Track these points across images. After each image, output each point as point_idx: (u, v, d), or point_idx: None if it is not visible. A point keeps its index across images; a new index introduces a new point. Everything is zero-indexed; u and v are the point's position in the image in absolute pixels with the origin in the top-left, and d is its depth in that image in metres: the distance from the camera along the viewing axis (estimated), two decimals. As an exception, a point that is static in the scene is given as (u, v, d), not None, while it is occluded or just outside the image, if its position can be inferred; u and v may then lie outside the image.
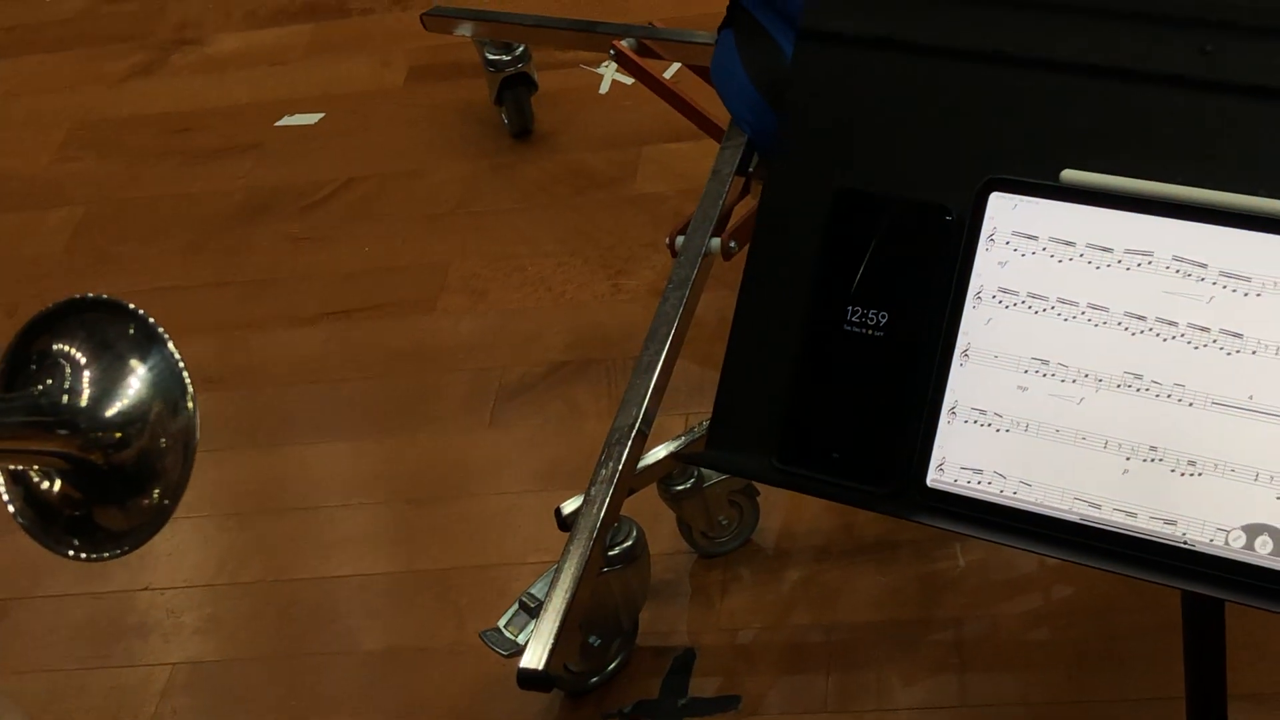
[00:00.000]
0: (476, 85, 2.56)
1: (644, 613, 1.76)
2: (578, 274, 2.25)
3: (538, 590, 1.66)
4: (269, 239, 2.44)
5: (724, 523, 1.82)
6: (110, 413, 0.85)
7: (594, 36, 2.27)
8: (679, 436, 1.79)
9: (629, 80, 2.51)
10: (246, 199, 2.53)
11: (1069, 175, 1.05)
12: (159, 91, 2.81)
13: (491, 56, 2.44)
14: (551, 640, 1.57)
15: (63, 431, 0.84)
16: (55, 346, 0.84)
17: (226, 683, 1.84)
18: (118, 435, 0.85)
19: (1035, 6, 1.09)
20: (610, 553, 1.67)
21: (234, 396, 2.20)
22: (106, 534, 0.87)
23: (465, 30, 2.45)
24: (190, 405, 0.83)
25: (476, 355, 2.18)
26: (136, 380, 0.83)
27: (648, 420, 1.68)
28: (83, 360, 0.85)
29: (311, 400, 2.18)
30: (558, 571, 1.61)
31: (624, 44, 2.17)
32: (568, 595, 1.59)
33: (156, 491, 0.87)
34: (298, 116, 2.67)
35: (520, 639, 1.64)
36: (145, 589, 1.95)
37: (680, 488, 1.77)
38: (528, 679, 1.57)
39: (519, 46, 2.43)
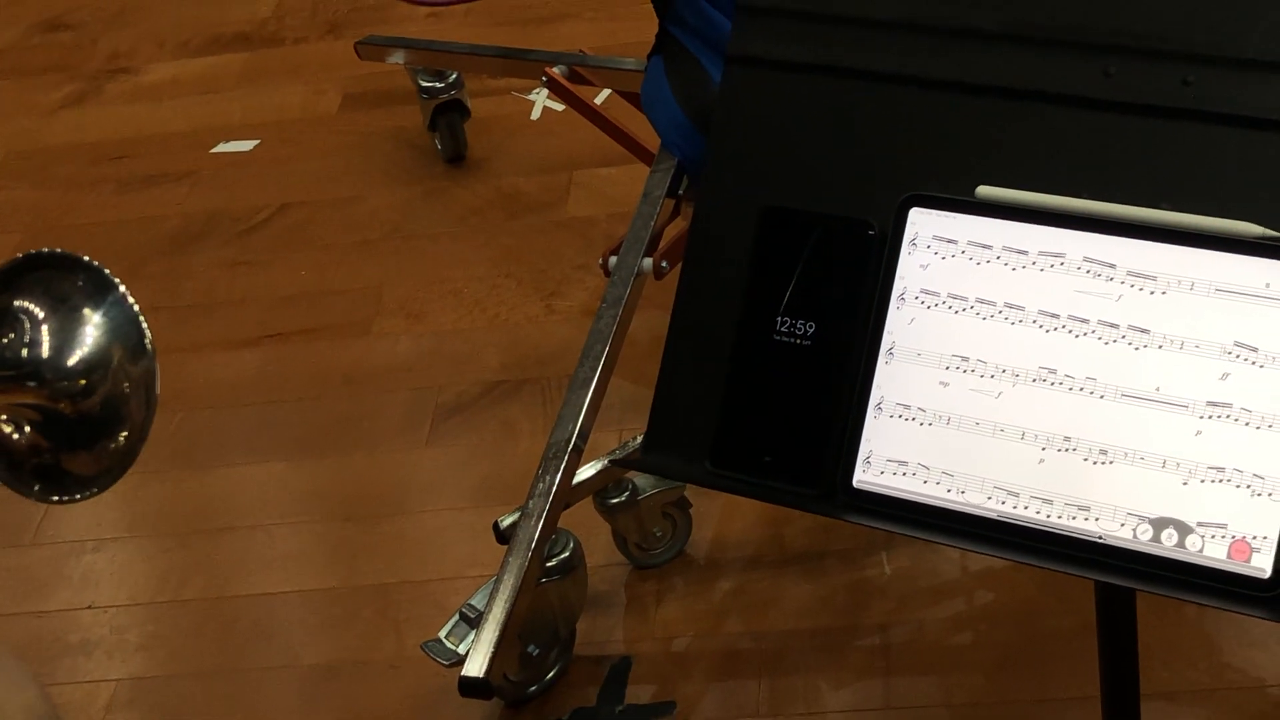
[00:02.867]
0: (410, 112, 2.61)
1: (581, 622, 1.80)
2: (511, 296, 2.30)
3: (477, 601, 1.70)
4: (205, 264, 2.47)
5: (658, 535, 1.87)
6: (73, 361, 0.87)
7: (526, 64, 2.32)
8: (614, 451, 1.84)
9: (560, 107, 2.56)
10: (182, 225, 2.56)
11: (984, 191, 1.11)
12: (93, 120, 2.84)
13: (425, 84, 2.49)
14: (492, 649, 1.61)
15: (31, 384, 0.87)
16: (13, 303, 0.87)
17: (169, 698, 1.87)
18: (82, 383, 0.88)
19: (950, 33, 1.15)
20: (548, 564, 1.71)
21: (172, 419, 2.23)
22: (75, 479, 0.90)
23: (399, 58, 2.50)
24: (149, 348, 0.87)
25: (413, 376, 2.21)
26: (94, 328, 0.86)
27: (583, 435, 1.72)
28: (40, 314, 0.87)
29: (250, 422, 2.21)
30: (497, 582, 1.65)
31: (556, 71, 2.22)
32: (507, 605, 1.63)
33: (123, 435, 0.90)
34: (232, 143, 2.70)
35: (461, 649, 1.67)
36: (88, 607, 1.98)
37: (615, 501, 1.82)
38: (469, 687, 1.61)
39: (452, 74, 2.48)
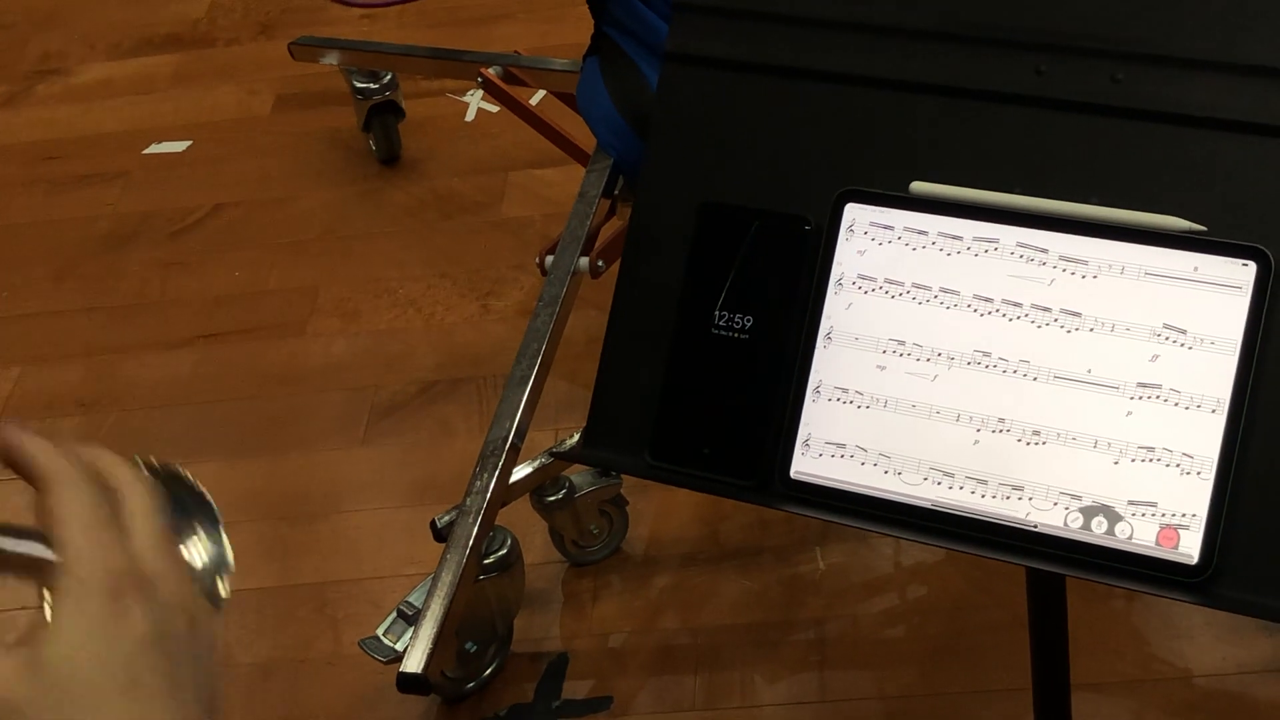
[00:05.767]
0: (343, 113, 2.61)
1: (518, 620, 1.81)
2: (447, 296, 2.30)
3: (415, 599, 1.71)
4: (138, 265, 2.47)
5: (594, 532, 1.88)
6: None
7: (461, 65, 2.32)
8: (550, 450, 1.85)
9: (494, 108, 2.57)
10: (115, 226, 2.55)
11: (917, 187, 1.13)
12: (24, 121, 2.82)
13: (359, 85, 2.49)
14: (430, 645, 1.62)
15: None
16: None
17: (105, 698, 1.86)
18: None
19: (885, 32, 1.17)
20: (486, 561, 1.72)
21: (105, 420, 2.22)
22: None
23: (332, 59, 2.50)
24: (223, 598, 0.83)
25: (348, 375, 2.22)
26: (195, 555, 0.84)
27: (520, 433, 1.73)
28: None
29: (184, 422, 2.20)
30: (435, 580, 1.66)
31: (491, 72, 2.23)
32: (445, 602, 1.64)
33: None
34: (165, 144, 2.70)
35: (399, 646, 1.68)
36: (23, 609, 1.97)
37: (552, 498, 1.83)
38: (407, 683, 1.62)
39: (386, 74, 2.48)
